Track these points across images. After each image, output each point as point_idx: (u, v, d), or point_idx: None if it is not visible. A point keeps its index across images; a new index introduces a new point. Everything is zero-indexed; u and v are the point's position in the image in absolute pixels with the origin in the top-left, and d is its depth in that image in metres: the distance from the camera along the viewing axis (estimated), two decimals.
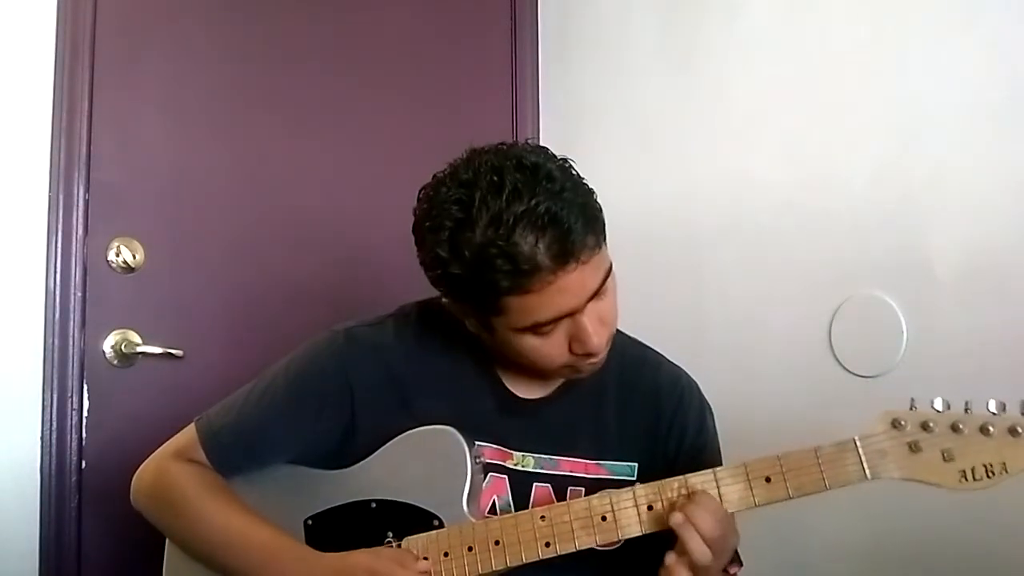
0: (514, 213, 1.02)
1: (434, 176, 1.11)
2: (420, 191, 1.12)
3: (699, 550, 1.03)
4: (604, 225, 1.11)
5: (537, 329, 1.09)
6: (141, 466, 1.26)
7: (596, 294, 1.09)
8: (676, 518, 1.04)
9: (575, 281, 1.05)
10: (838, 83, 1.77)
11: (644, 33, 2.13)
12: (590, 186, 1.11)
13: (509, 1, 2.34)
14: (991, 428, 0.99)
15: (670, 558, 1.05)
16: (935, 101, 1.64)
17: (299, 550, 1.15)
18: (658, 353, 1.33)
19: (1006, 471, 0.98)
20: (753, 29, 1.92)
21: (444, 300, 1.17)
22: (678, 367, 1.32)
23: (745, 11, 1.93)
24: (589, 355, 1.12)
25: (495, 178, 1.04)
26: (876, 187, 1.70)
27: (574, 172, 1.11)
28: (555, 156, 1.12)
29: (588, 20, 2.26)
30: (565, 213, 1.02)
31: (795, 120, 1.83)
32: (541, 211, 1.02)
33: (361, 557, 1.11)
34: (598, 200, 1.12)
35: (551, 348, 1.11)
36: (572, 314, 1.08)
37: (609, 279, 1.11)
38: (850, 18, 1.76)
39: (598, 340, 1.10)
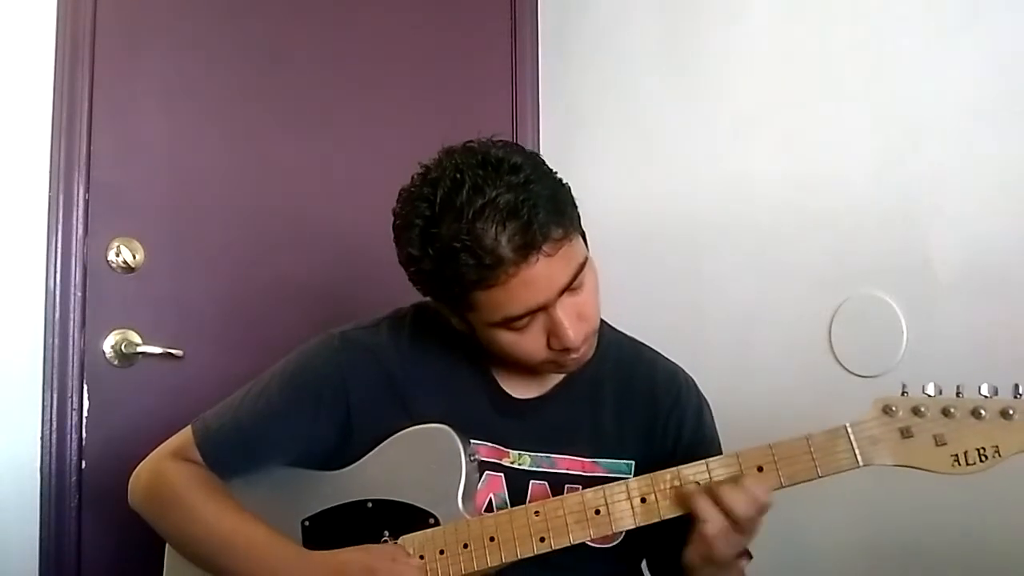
0: (474, 207, 1.03)
1: (411, 177, 1.12)
2: (400, 192, 1.13)
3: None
4: (576, 216, 1.12)
5: (510, 324, 1.09)
6: (138, 467, 1.27)
7: (569, 288, 1.08)
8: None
9: (541, 273, 1.05)
10: (838, 83, 1.77)
11: (644, 33, 2.13)
12: (560, 177, 1.12)
13: (509, 1, 2.35)
14: (983, 411, 0.98)
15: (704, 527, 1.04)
16: (935, 101, 1.63)
17: (290, 549, 1.15)
18: (654, 350, 1.33)
19: (999, 455, 0.98)
20: (753, 29, 1.92)
21: (429, 299, 1.17)
22: (674, 364, 1.32)
23: (745, 11, 1.93)
24: (568, 350, 1.11)
25: (457, 175, 1.05)
26: (876, 187, 1.70)
27: (543, 164, 1.11)
28: (523, 149, 1.13)
29: (588, 21, 2.26)
30: (527, 204, 1.03)
31: (795, 120, 1.83)
32: (501, 204, 1.03)
33: (354, 555, 1.11)
34: (570, 192, 1.12)
35: (528, 343, 1.11)
36: (545, 308, 1.08)
37: (585, 272, 1.11)
38: (850, 18, 1.76)
39: (574, 334, 1.10)
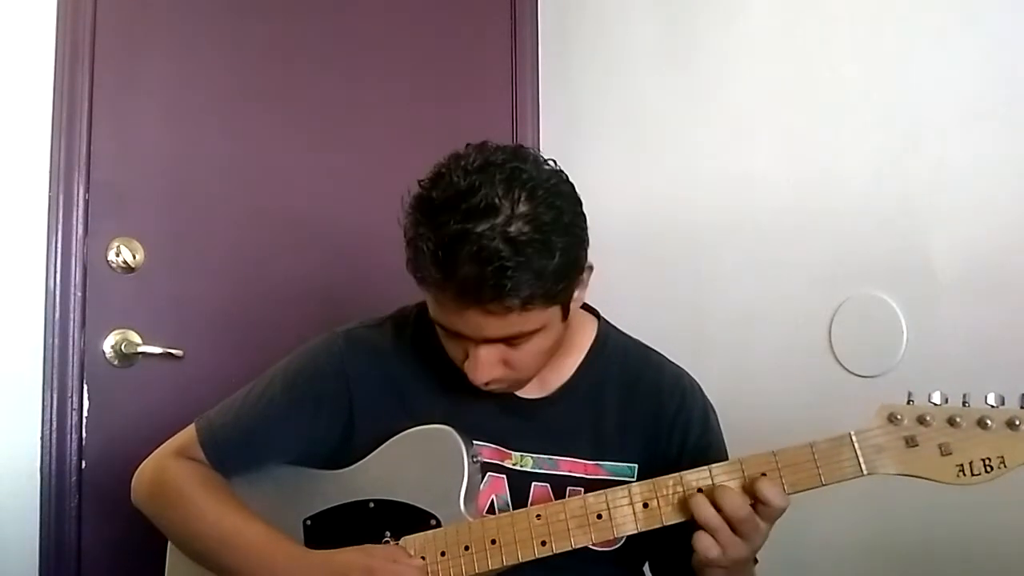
0: (465, 225, 1.00)
1: (466, 145, 1.10)
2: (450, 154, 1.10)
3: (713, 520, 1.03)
4: (560, 291, 1.06)
5: (440, 326, 1.11)
6: (142, 464, 1.27)
7: (504, 341, 1.07)
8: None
9: (471, 318, 1.04)
10: (838, 83, 1.77)
11: (644, 33, 2.13)
12: (577, 242, 1.07)
13: (509, 1, 2.34)
14: (989, 422, 0.97)
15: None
16: (935, 101, 1.63)
17: (291, 548, 1.15)
18: (660, 354, 1.32)
19: (1004, 465, 0.97)
20: (753, 28, 1.92)
21: None
22: (680, 368, 1.31)
23: (745, 11, 1.93)
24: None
25: (477, 183, 1.02)
26: (876, 187, 1.70)
27: (572, 222, 1.06)
28: (565, 193, 1.08)
29: (588, 20, 2.26)
30: (503, 266, 0.98)
31: (795, 120, 1.83)
32: (484, 243, 0.99)
33: (354, 555, 1.11)
34: (576, 264, 1.08)
35: (451, 349, 1.14)
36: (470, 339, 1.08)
37: (533, 337, 1.08)
38: (850, 18, 1.76)
39: (480, 377, 1.10)
